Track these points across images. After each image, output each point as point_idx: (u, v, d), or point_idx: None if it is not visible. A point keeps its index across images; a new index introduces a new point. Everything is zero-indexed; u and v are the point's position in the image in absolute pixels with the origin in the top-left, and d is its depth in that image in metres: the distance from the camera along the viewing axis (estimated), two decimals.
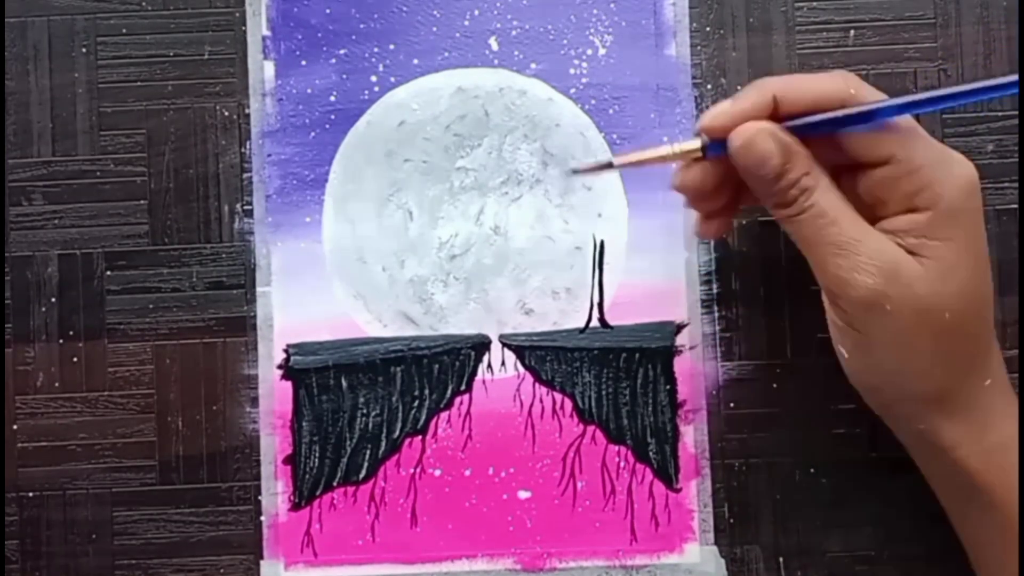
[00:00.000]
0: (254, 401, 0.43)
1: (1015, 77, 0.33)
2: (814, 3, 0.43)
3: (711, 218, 0.39)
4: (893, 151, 0.34)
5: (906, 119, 0.35)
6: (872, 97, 0.35)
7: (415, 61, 0.43)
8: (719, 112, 0.35)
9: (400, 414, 0.43)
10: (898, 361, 0.35)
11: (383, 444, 0.43)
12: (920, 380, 0.36)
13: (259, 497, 0.43)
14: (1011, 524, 0.36)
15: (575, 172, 0.42)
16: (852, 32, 0.43)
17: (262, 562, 0.42)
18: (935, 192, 0.34)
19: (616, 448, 0.42)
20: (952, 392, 0.36)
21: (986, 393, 0.36)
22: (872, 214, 0.35)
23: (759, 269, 0.43)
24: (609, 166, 0.39)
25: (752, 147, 0.35)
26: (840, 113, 0.35)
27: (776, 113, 0.35)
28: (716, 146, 0.36)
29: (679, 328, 0.43)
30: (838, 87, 0.35)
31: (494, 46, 0.43)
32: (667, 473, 0.42)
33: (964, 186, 0.34)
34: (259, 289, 0.43)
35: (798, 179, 0.35)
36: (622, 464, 0.42)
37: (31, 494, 0.43)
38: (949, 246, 0.34)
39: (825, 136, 0.35)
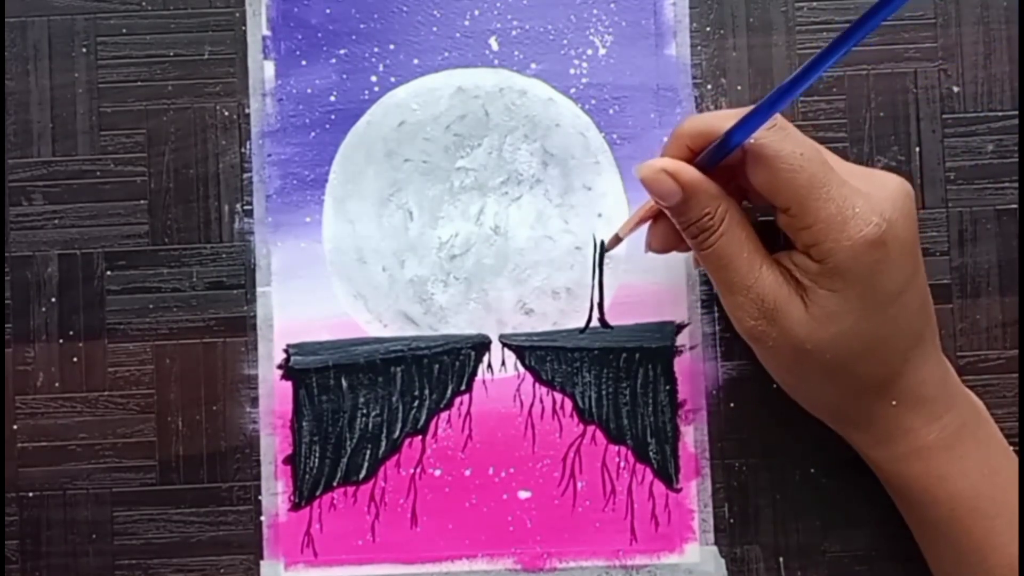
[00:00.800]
0: (254, 401, 0.43)
1: None
2: (814, 3, 0.43)
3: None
4: (789, 204, 0.35)
5: (815, 173, 0.35)
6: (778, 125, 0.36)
7: (415, 61, 0.43)
8: (646, 165, 0.37)
9: (400, 414, 0.43)
10: (790, 384, 0.39)
11: (383, 444, 0.43)
12: (810, 400, 0.39)
13: (259, 497, 0.43)
14: (925, 522, 0.39)
15: (605, 250, 0.43)
16: None
17: (262, 562, 0.42)
18: (825, 249, 0.35)
19: (616, 448, 0.42)
20: (850, 411, 0.38)
21: (891, 411, 0.37)
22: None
23: None
24: (618, 239, 0.41)
25: (651, 183, 0.36)
26: (715, 143, 0.36)
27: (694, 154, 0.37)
28: (714, 157, 0.36)
29: (679, 328, 0.43)
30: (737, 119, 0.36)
31: (494, 46, 0.43)
32: (667, 473, 0.42)
33: (855, 247, 0.35)
34: (259, 289, 0.43)
35: (699, 218, 0.36)
36: (622, 464, 0.42)
37: (31, 494, 0.43)
38: (833, 296, 0.35)
39: (736, 171, 0.37)
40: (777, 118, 0.35)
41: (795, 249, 0.37)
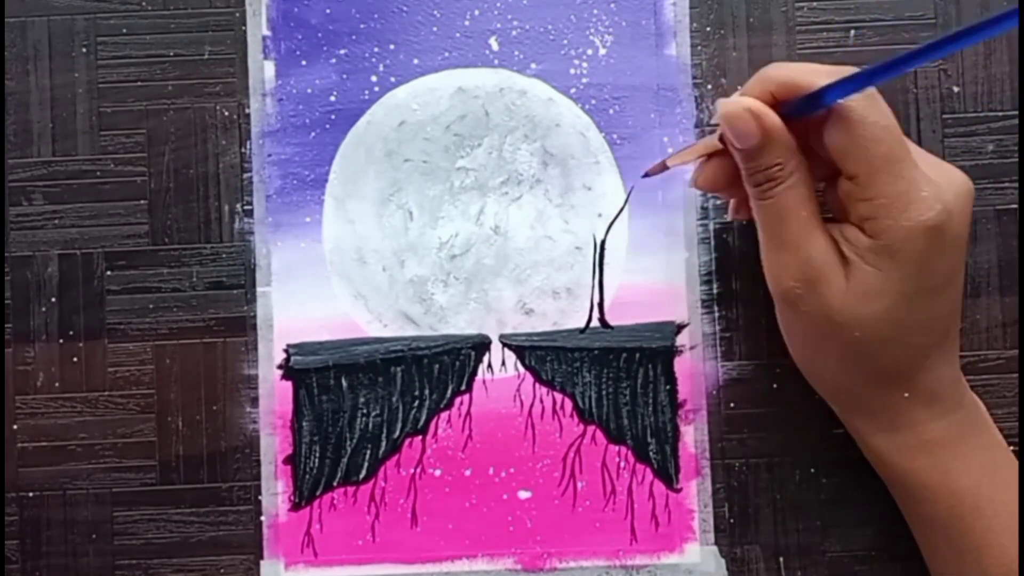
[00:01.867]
0: (254, 401, 0.43)
1: (1013, 9, 0.30)
2: (814, 3, 0.43)
3: (742, 204, 0.40)
4: (859, 172, 0.35)
5: (893, 147, 0.35)
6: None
7: (415, 61, 0.43)
8: (730, 100, 0.36)
9: (400, 414, 0.43)
10: (807, 355, 0.39)
11: (383, 444, 0.43)
12: (823, 376, 0.39)
13: (259, 497, 0.43)
14: (924, 519, 0.39)
15: (645, 176, 0.42)
16: (852, 32, 0.43)
17: (262, 562, 0.42)
18: (881, 225, 0.35)
19: (616, 448, 0.42)
20: (860, 396, 0.38)
21: (903, 403, 0.37)
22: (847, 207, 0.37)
23: (759, 269, 0.42)
24: (664, 167, 0.41)
25: (734, 120, 0.36)
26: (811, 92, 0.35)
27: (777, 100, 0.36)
28: (799, 110, 0.36)
29: (679, 328, 0.43)
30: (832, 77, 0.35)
31: (494, 46, 0.43)
32: (667, 473, 0.42)
33: (913, 229, 0.34)
34: (259, 289, 0.43)
35: (769, 166, 0.36)
36: (622, 464, 0.42)
37: (31, 494, 0.43)
38: (878, 275, 0.35)
39: (813, 134, 0.36)
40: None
41: (845, 222, 0.36)
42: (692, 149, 0.39)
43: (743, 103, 0.35)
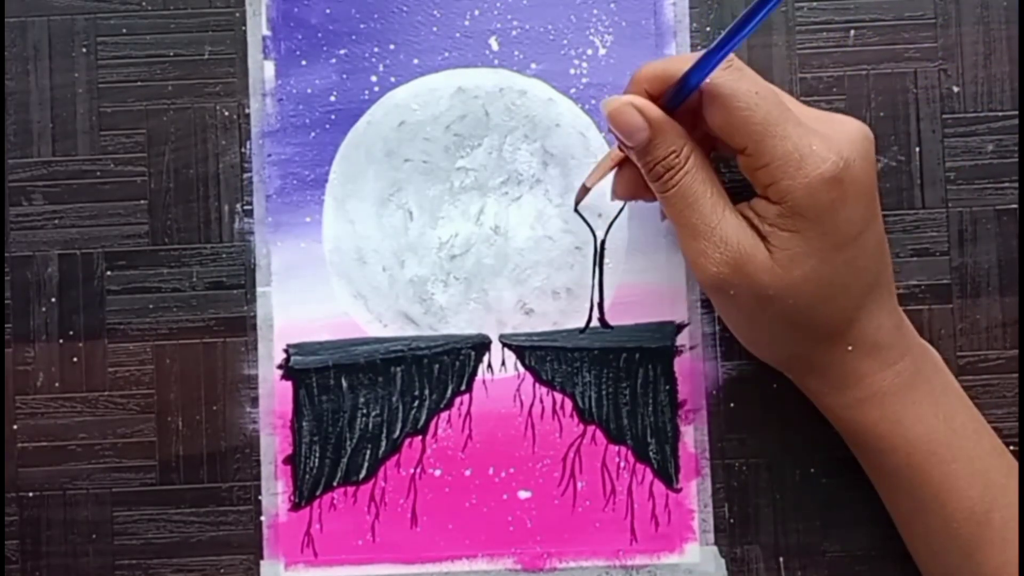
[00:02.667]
0: (254, 401, 0.43)
1: None
2: (814, 3, 0.43)
3: (626, 183, 0.40)
4: (746, 143, 0.36)
5: (770, 111, 0.35)
6: (749, 71, 0.36)
7: (415, 61, 0.43)
8: (612, 98, 0.37)
9: (400, 414, 0.43)
10: (748, 332, 0.39)
11: (383, 444, 0.43)
12: (767, 349, 0.39)
13: (259, 497, 0.43)
14: (883, 470, 0.39)
15: (577, 202, 0.42)
16: (852, 32, 0.43)
17: (262, 562, 0.42)
18: (782, 188, 0.35)
19: (616, 448, 0.42)
20: (807, 358, 0.38)
21: (847, 357, 0.37)
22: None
23: None
24: (586, 190, 0.41)
25: (619, 116, 0.36)
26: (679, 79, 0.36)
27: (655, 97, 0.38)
28: (673, 99, 0.37)
29: (679, 328, 0.43)
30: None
31: (494, 46, 0.43)
32: (667, 473, 0.42)
33: (812, 184, 0.35)
34: (259, 289, 0.43)
35: (665, 156, 0.37)
36: (622, 464, 0.42)
37: (31, 494, 0.43)
38: (795, 237, 0.36)
39: (696, 119, 0.37)
40: (733, 59, 0.36)
41: (754, 199, 0.37)
42: (602, 165, 0.40)
43: (624, 98, 0.37)
